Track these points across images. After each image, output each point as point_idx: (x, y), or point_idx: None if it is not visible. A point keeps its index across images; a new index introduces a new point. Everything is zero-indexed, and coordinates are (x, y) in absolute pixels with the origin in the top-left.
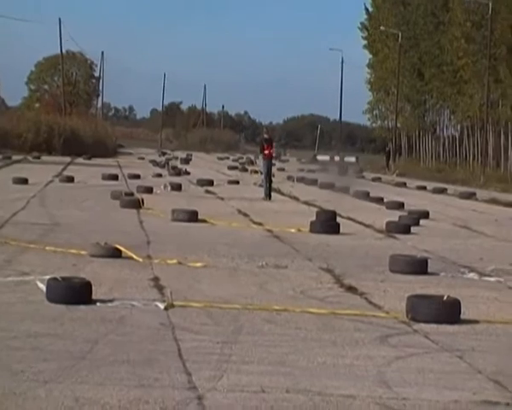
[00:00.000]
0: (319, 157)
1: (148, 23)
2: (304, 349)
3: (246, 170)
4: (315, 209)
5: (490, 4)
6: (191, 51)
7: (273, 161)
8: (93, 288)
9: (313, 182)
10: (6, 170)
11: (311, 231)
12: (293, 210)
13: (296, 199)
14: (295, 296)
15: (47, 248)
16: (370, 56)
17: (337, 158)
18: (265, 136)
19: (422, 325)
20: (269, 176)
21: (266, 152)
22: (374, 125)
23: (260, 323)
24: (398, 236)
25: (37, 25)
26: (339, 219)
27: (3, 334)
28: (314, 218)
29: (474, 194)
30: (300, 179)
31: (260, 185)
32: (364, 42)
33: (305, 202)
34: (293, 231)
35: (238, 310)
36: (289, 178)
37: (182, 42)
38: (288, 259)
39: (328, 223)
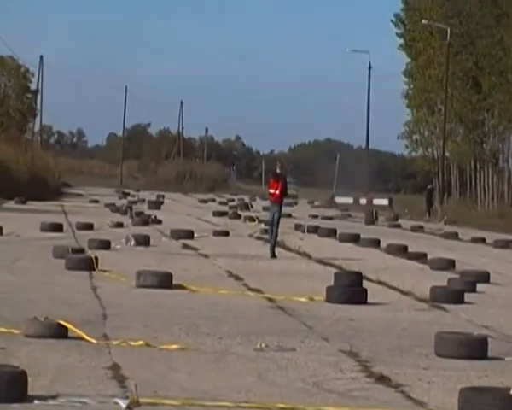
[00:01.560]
0: (339, 199)
1: (104, 18)
2: None
3: (238, 217)
4: (333, 270)
5: None
6: (163, 56)
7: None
8: (29, 380)
9: (330, 233)
10: None
11: (328, 300)
12: (304, 271)
13: (307, 256)
14: (307, 390)
15: None
16: (408, 60)
17: (363, 201)
18: (278, 170)
19: None
20: (274, 226)
21: (272, 191)
22: (413, 154)
23: None
24: (447, 306)
25: None
26: (366, 284)
27: None
28: (332, 282)
29: None
30: (313, 229)
31: (259, 238)
32: (400, 41)
33: (320, 261)
34: (303, 300)
35: (228, 409)
36: (298, 227)
37: (150, 43)
38: (297, 338)
39: (351, 289)
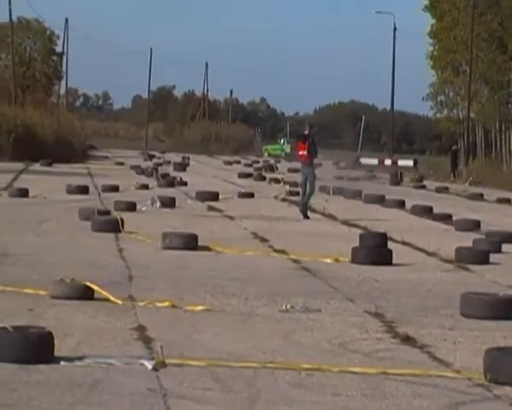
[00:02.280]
0: (364, 160)
1: None
2: None
3: (263, 178)
4: (358, 231)
5: None
6: (187, 19)
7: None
8: (56, 341)
9: (356, 194)
10: None
11: (354, 261)
12: (329, 233)
13: (333, 218)
14: (332, 351)
15: None
16: (433, 21)
17: (388, 161)
18: (306, 131)
19: (507, 389)
20: (307, 187)
21: (301, 153)
22: (438, 115)
23: (285, 388)
24: (472, 267)
25: None
26: (391, 245)
27: None
28: (357, 243)
29: None
30: (338, 191)
31: (284, 199)
32: (425, 1)
33: (345, 222)
34: (328, 261)
35: (254, 370)
36: (323, 188)
37: (174, 8)
38: (323, 299)
39: (376, 250)
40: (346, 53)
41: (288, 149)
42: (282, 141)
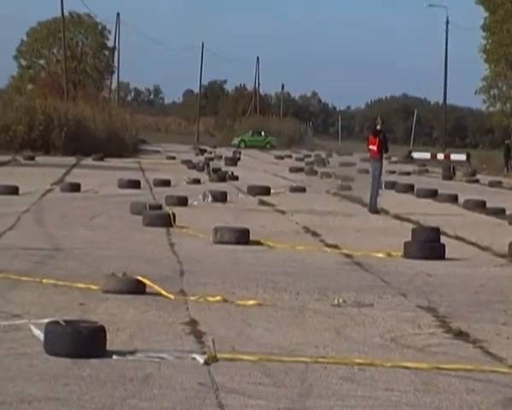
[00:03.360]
0: (416, 154)
1: None
2: None
3: (315, 173)
4: (410, 226)
5: None
6: (239, 14)
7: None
8: (108, 335)
9: (408, 188)
10: None
11: (406, 255)
12: (381, 227)
13: (384, 212)
14: (384, 345)
15: (45, 281)
16: (486, 15)
17: (440, 156)
18: (378, 126)
19: None
20: (375, 182)
21: (371, 148)
22: (491, 109)
23: (337, 382)
24: None
25: None
26: (444, 239)
27: None
28: (409, 238)
29: None
30: (390, 185)
31: (335, 194)
32: None
33: (397, 217)
34: (380, 255)
35: (306, 365)
36: None
37: (226, 2)
38: (375, 294)
39: (429, 245)
40: (398, 47)
41: (274, 141)
42: (263, 134)
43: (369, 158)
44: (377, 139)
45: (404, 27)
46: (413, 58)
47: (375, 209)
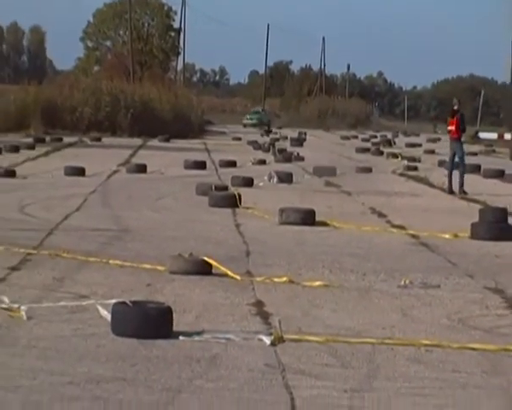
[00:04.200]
0: (483, 135)
1: None
2: (465, 400)
3: (381, 153)
4: (478, 206)
5: None
6: None
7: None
8: (174, 316)
9: (474, 169)
10: (55, 156)
11: (473, 236)
12: (448, 208)
13: (452, 192)
14: (451, 327)
15: (111, 262)
16: None
17: (508, 136)
18: (455, 107)
19: None
20: (460, 163)
21: (449, 129)
22: None
23: (404, 364)
24: None
25: None
26: (511, 220)
27: (55, 378)
28: (477, 218)
29: None
30: (457, 166)
31: (402, 174)
32: None
33: (464, 197)
34: (447, 236)
35: (373, 346)
36: (441, 163)
37: None
38: (441, 275)
39: (496, 225)
40: (464, 26)
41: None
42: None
43: (449, 139)
44: (455, 119)
45: (470, 5)
46: (480, 37)
47: (463, 190)
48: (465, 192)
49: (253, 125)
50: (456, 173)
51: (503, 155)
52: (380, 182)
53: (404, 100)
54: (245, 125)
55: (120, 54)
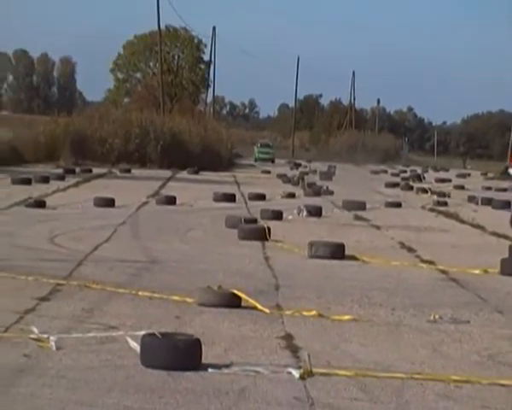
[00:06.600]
0: None
1: None
2: None
3: (411, 188)
4: (507, 243)
5: None
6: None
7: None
8: (203, 348)
9: (505, 205)
10: (85, 187)
11: (503, 272)
12: (477, 244)
13: (481, 228)
14: (481, 362)
15: (140, 293)
16: None
17: None
18: None
19: None
20: None
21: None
22: None
23: (433, 399)
24: None
25: None
26: None
27: (84, 409)
28: (506, 254)
29: None
30: (487, 201)
31: (431, 209)
32: None
33: (494, 233)
34: (477, 272)
35: (402, 381)
36: (471, 198)
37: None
38: (471, 311)
39: None
40: (495, 62)
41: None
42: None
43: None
44: None
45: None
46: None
47: None
48: None
49: (264, 160)
50: None
51: None
52: (409, 217)
53: (434, 135)
54: (256, 160)
55: (150, 86)
